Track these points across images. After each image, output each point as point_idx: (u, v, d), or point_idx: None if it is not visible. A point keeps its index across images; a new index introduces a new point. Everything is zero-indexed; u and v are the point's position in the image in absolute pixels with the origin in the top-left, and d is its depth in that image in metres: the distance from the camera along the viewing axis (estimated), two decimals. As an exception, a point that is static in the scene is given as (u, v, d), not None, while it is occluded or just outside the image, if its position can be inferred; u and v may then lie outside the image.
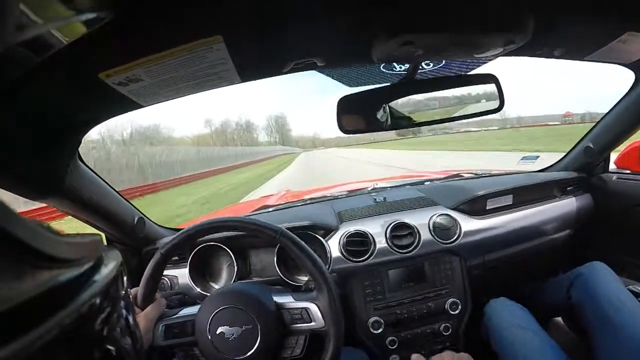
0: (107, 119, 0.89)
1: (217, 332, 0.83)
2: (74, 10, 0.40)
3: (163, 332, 0.88)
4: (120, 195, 1.20)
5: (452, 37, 0.71)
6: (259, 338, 0.81)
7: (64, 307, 0.21)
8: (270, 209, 1.71)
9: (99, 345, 0.26)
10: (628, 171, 1.64)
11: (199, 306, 0.89)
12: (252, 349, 0.81)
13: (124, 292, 0.32)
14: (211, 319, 0.83)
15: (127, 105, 0.81)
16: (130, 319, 0.33)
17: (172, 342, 0.89)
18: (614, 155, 1.70)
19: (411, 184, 1.91)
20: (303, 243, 0.85)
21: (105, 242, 1.22)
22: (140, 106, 0.83)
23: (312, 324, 0.83)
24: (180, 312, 0.91)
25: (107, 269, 0.28)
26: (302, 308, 0.86)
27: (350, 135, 0.99)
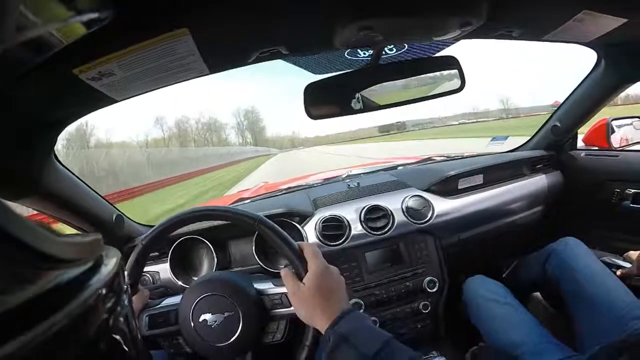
0: (81, 116, 0.89)
1: (200, 319, 0.83)
2: (74, 10, 0.41)
3: (147, 322, 0.89)
4: (98, 194, 1.20)
5: (408, 20, 0.73)
6: (240, 324, 0.82)
7: (64, 306, 0.21)
8: (247, 201, 1.73)
9: (98, 344, 0.26)
10: (596, 148, 1.69)
11: (181, 296, 0.89)
12: (234, 335, 0.82)
13: (124, 291, 0.32)
14: (193, 307, 0.84)
15: (101, 100, 0.81)
16: (131, 319, 0.33)
17: (156, 331, 0.89)
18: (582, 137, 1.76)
19: (384, 170, 1.94)
20: (280, 229, 0.85)
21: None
22: (114, 101, 0.83)
23: (292, 308, 0.83)
24: (163, 302, 0.92)
25: (108, 268, 0.29)
26: (282, 293, 0.86)
27: (320, 120, 1.00)
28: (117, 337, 0.28)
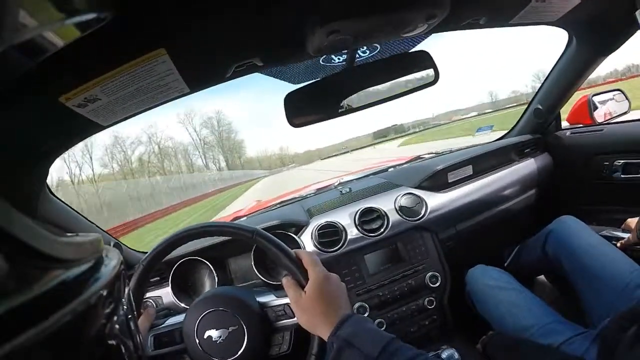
0: (71, 146, 0.89)
1: (205, 336, 0.83)
2: (69, 11, 0.40)
3: (152, 342, 0.89)
4: (93, 223, 1.20)
5: (373, 19, 0.74)
6: (245, 338, 0.82)
7: (64, 306, 0.21)
8: (243, 218, 1.73)
9: (98, 344, 0.26)
10: (580, 125, 1.71)
11: (185, 314, 0.89)
12: (240, 349, 0.82)
13: (125, 292, 0.32)
14: (197, 324, 0.84)
15: (89, 127, 0.82)
16: (132, 320, 0.33)
17: (162, 351, 0.89)
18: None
19: (374, 173, 1.95)
20: (278, 240, 0.85)
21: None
22: (102, 127, 0.84)
23: (295, 318, 0.83)
24: (167, 322, 0.92)
25: (108, 268, 0.29)
26: (284, 304, 0.87)
27: (303, 127, 1.01)
28: (117, 336, 0.28)
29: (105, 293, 0.26)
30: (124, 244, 1.34)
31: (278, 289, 1.01)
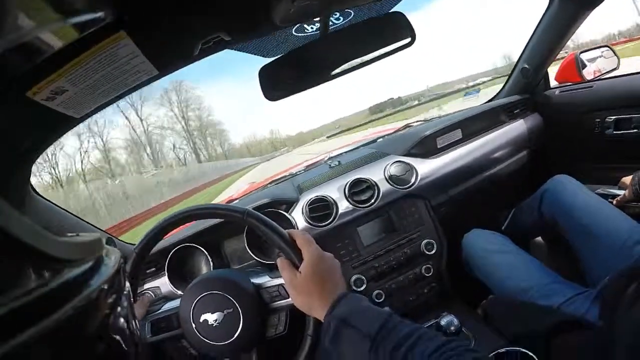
0: (51, 143, 0.88)
1: (201, 320, 0.83)
2: (69, 12, 0.40)
3: (149, 328, 0.89)
4: (83, 220, 1.20)
5: None
6: (241, 320, 0.82)
7: (64, 305, 0.21)
8: (236, 200, 1.72)
9: (98, 344, 0.26)
10: (569, 83, 1.69)
11: (179, 299, 0.89)
12: (236, 332, 0.82)
13: (125, 291, 0.32)
14: (193, 308, 0.84)
15: (63, 122, 0.81)
16: (132, 319, 0.33)
17: (160, 337, 0.89)
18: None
19: (363, 145, 1.94)
20: (269, 220, 0.84)
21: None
22: (77, 120, 0.83)
23: (290, 299, 0.83)
24: (163, 307, 0.92)
25: (108, 268, 0.29)
26: (279, 285, 0.86)
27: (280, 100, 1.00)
28: (117, 336, 0.28)
29: (105, 292, 0.26)
30: (116, 238, 1.34)
31: (273, 269, 1.00)
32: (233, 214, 0.86)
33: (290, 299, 0.83)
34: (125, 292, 0.31)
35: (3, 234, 0.18)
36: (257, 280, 0.90)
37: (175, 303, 0.91)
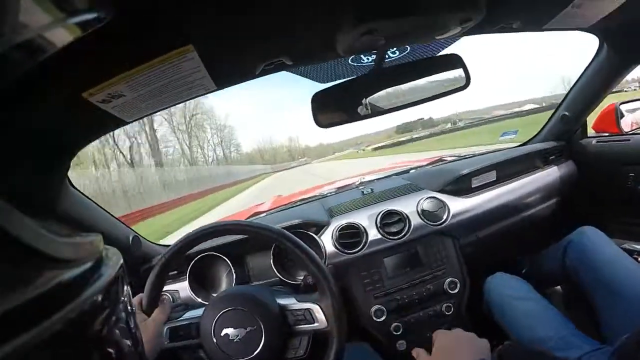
0: (93, 140, 0.90)
1: (222, 334, 0.83)
2: (68, 11, 0.40)
3: (168, 334, 0.89)
4: (113, 216, 1.21)
5: (409, 20, 0.73)
6: (263, 339, 0.82)
7: (64, 306, 0.21)
8: (263, 214, 1.73)
9: (98, 345, 0.26)
10: (607, 134, 1.67)
11: (203, 309, 0.89)
12: (256, 350, 0.82)
13: (125, 292, 0.32)
14: (215, 321, 0.84)
15: (111, 122, 0.82)
16: (132, 321, 0.33)
17: (178, 344, 0.89)
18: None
19: (396, 174, 1.93)
20: (304, 245, 0.85)
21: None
22: (125, 122, 0.84)
23: (315, 324, 0.83)
24: (185, 315, 0.92)
25: (108, 269, 0.28)
26: (305, 309, 0.86)
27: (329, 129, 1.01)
28: (117, 336, 0.28)
29: (105, 292, 0.26)
30: (143, 237, 1.35)
31: (296, 288, 0.99)
32: (268, 234, 0.86)
33: (315, 325, 0.83)
34: (124, 299, 0.31)
35: (2, 233, 0.18)
36: (283, 301, 0.89)
37: (197, 312, 0.91)
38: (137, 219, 17.48)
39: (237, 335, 0.83)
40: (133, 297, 0.90)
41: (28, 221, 0.20)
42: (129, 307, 0.32)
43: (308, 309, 0.85)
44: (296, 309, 0.87)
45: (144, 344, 0.37)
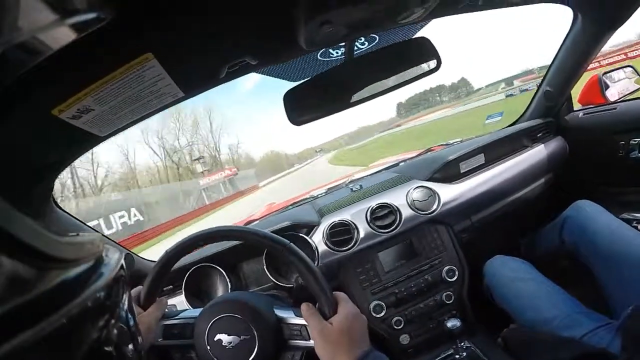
0: (73, 160, 0.89)
1: (215, 338, 0.82)
2: (66, 11, 0.40)
3: (162, 331, 0.88)
4: (104, 235, 1.20)
5: (366, 7, 0.72)
6: (256, 349, 0.80)
7: (64, 306, 0.21)
8: (256, 222, 1.72)
9: (98, 344, 0.26)
10: (592, 105, 1.66)
11: (200, 310, 0.88)
12: (248, 359, 0.80)
13: (125, 292, 0.32)
14: (210, 325, 0.83)
15: (87, 140, 0.81)
16: (131, 320, 0.33)
17: (170, 342, 0.88)
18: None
19: (385, 169, 1.93)
20: (309, 260, 0.82)
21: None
22: (100, 139, 0.83)
23: (310, 342, 0.81)
24: (181, 314, 0.91)
25: (108, 269, 0.29)
26: (302, 325, 0.83)
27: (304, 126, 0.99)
28: (117, 335, 0.28)
29: (105, 292, 0.27)
30: (134, 254, 1.34)
31: (290, 291, 0.97)
32: (273, 245, 0.83)
33: (310, 342, 0.81)
34: (124, 299, 0.31)
35: (2, 232, 0.18)
36: (280, 314, 0.87)
37: (194, 313, 0.89)
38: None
39: (230, 342, 0.81)
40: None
41: (28, 221, 0.20)
42: (129, 308, 0.33)
43: (305, 326, 0.83)
44: (293, 323, 0.85)
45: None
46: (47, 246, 0.21)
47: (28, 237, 0.20)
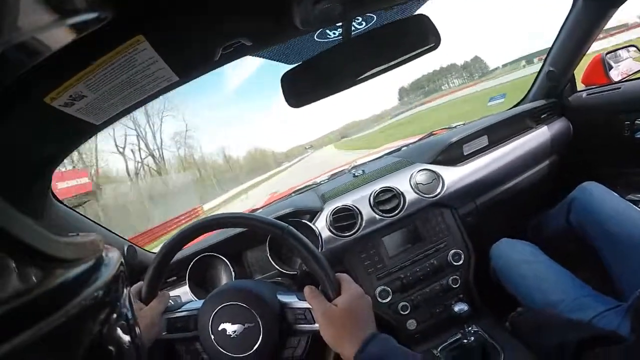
0: (70, 151, 0.87)
1: (219, 328, 0.81)
2: (66, 11, 0.40)
3: (165, 325, 0.88)
4: (105, 228, 1.19)
5: None
6: (260, 336, 0.80)
7: (64, 306, 0.21)
8: (259, 210, 1.71)
9: (98, 343, 0.26)
10: (596, 85, 1.63)
11: (202, 301, 0.87)
12: (253, 347, 0.80)
13: (125, 291, 0.32)
14: (213, 315, 0.82)
15: (83, 129, 0.80)
16: (132, 318, 0.32)
17: (174, 335, 0.88)
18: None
19: (388, 154, 1.92)
20: (309, 243, 0.81)
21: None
22: (97, 127, 0.82)
23: (315, 325, 0.80)
24: (183, 307, 0.91)
25: (108, 269, 0.29)
26: (306, 308, 0.83)
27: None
28: (117, 334, 0.29)
29: (105, 292, 0.27)
30: (137, 246, 1.33)
31: (294, 278, 0.96)
32: (272, 229, 0.83)
33: (315, 326, 0.80)
34: (124, 297, 0.31)
35: (2, 232, 0.18)
36: (284, 299, 0.86)
37: (197, 304, 0.89)
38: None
39: (235, 331, 0.81)
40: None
41: (28, 221, 0.20)
42: (129, 305, 0.32)
43: (309, 309, 0.82)
44: (297, 308, 0.85)
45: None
46: (48, 246, 0.21)
47: (28, 238, 0.20)
